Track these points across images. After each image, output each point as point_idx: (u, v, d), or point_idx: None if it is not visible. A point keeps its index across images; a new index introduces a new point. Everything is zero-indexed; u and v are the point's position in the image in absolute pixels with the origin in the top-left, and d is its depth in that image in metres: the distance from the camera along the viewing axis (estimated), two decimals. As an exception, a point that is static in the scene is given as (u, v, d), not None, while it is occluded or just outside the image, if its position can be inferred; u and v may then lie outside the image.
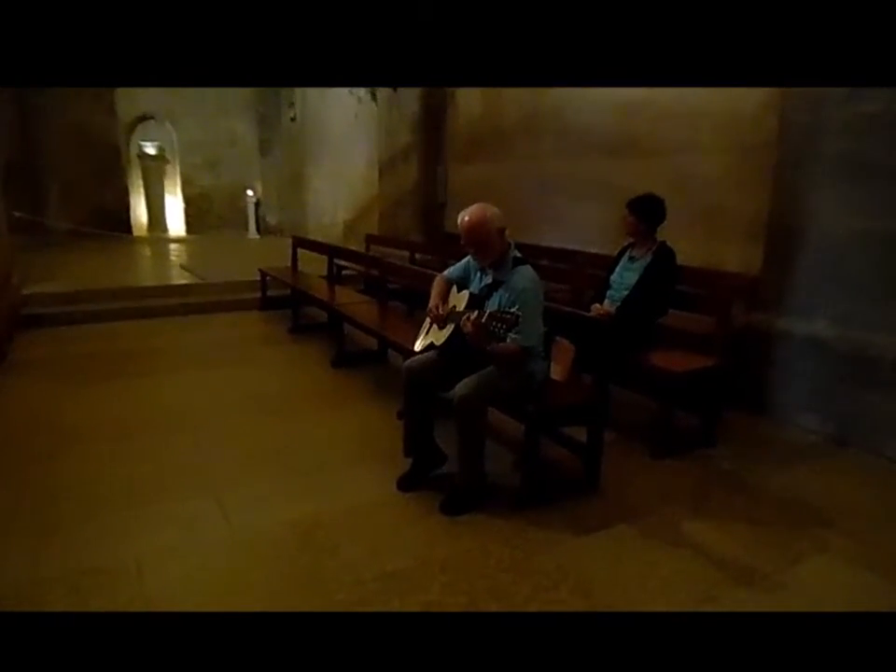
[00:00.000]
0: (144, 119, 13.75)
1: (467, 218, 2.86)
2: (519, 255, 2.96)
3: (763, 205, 4.16)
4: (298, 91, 12.65)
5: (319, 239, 7.69)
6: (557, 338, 3.31)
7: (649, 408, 3.70)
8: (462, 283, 3.15)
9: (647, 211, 3.75)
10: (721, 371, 3.50)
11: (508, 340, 2.79)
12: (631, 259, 3.90)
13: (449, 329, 2.99)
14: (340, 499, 2.97)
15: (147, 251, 10.93)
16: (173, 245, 11.76)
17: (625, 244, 4.01)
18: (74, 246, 9.85)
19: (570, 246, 5.91)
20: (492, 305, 2.90)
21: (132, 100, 12.80)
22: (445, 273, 3.26)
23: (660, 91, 4.97)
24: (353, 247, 6.97)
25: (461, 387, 2.75)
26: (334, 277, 6.21)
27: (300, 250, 6.96)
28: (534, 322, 2.84)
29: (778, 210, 4.04)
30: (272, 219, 13.95)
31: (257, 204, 13.68)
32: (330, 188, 11.91)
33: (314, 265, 6.79)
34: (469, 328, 2.69)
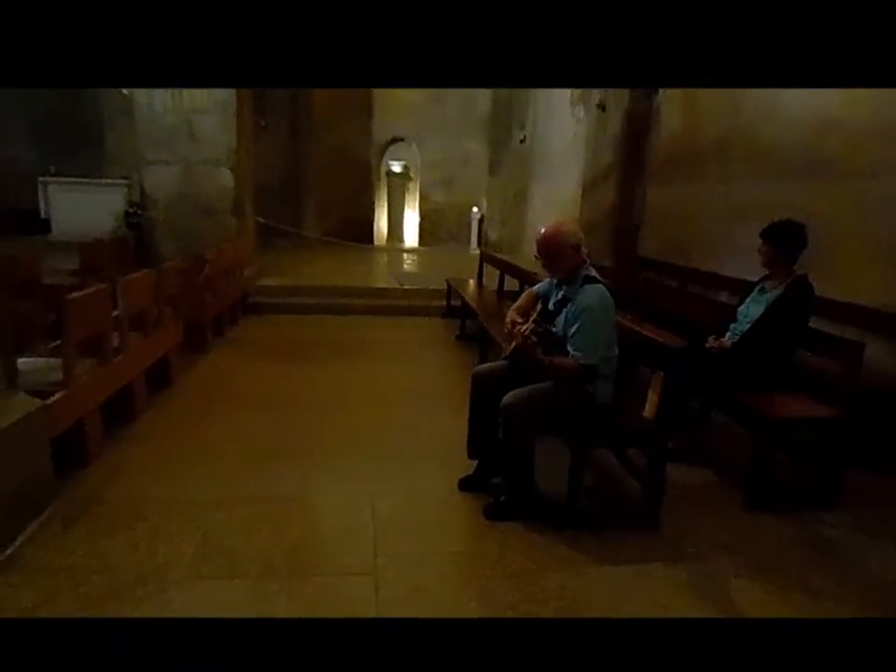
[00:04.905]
0: (395, 140, 15.43)
1: (542, 230, 2.95)
2: (593, 274, 2.95)
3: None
4: (530, 113, 13.19)
5: (526, 255, 7.89)
6: (659, 372, 3.19)
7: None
8: (547, 297, 3.21)
9: (782, 239, 3.39)
10: (842, 423, 3.03)
11: (569, 356, 2.82)
12: (761, 290, 3.55)
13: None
14: (404, 486, 3.23)
15: (374, 258, 12.23)
16: (400, 255, 13.01)
17: (763, 275, 3.65)
18: (317, 251, 11.45)
19: (753, 278, 5.41)
20: (560, 321, 2.94)
21: (386, 123, 14.51)
22: (535, 287, 3.34)
23: (860, 107, 4.38)
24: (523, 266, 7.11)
25: (508, 396, 2.83)
26: (502, 292, 6.47)
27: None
28: (593, 341, 2.80)
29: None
30: (492, 235, 14.65)
31: (480, 220, 14.50)
32: (545, 206, 12.19)
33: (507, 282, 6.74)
34: (517, 338, 2.78)
